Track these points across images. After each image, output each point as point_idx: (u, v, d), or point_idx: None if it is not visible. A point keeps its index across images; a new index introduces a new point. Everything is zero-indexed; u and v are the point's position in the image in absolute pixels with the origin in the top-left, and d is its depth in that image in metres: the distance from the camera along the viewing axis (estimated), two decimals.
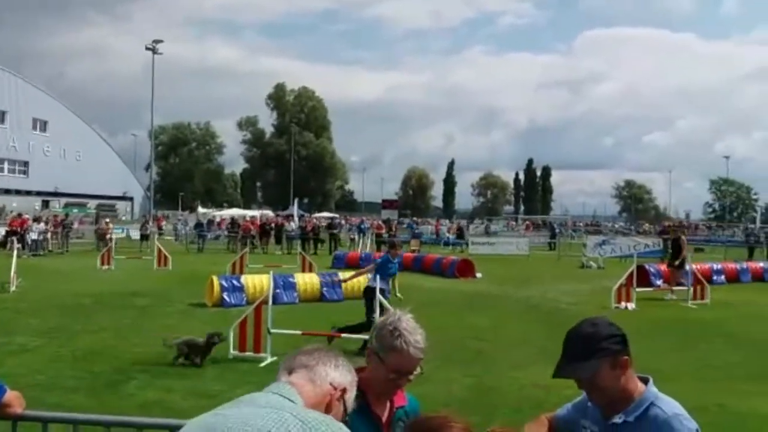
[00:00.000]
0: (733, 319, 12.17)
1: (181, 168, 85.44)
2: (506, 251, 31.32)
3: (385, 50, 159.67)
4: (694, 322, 11.72)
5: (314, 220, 39.42)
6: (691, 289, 14.18)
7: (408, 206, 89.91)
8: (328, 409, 1.47)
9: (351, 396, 1.57)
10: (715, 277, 18.06)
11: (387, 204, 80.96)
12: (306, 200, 75.00)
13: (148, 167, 62.76)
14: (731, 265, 20.30)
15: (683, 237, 16.11)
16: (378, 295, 8.76)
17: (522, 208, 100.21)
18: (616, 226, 61.88)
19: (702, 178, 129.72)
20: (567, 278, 19.78)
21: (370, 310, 9.00)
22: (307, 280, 13.89)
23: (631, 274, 13.54)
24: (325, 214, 62.20)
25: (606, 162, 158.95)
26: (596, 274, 21.05)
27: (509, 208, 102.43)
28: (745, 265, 20.84)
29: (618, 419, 1.94)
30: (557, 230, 40.76)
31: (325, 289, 13.65)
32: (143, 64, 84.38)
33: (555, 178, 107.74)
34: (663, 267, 17.72)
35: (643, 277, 15.24)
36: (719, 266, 19.69)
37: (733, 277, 19.05)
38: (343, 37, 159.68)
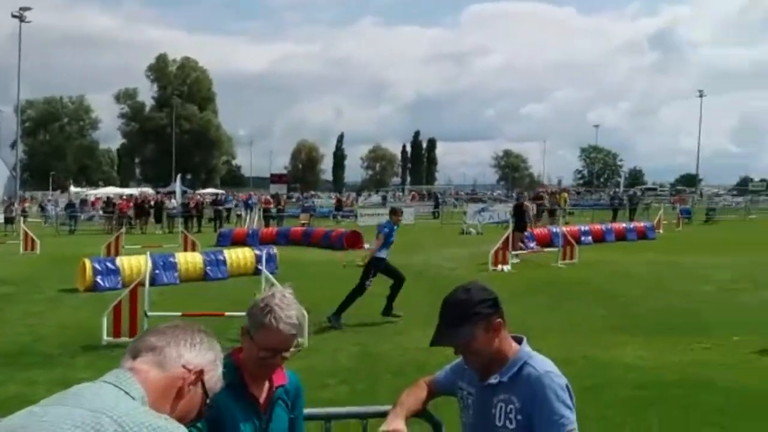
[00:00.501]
0: (598, 277, 13.15)
1: (52, 145, 79.11)
2: None
3: (271, 20, 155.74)
4: (564, 281, 12.57)
5: (198, 197, 38.03)
6: (561, 250, 15.20)
7: (298, 180, 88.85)
8: (179, 396, 1.31)
9: (213, 376, 1.40)
10: (583, 238, 19.45)
11: (276, 178, 78.89)
12: (189, 176, 72.05)
13: (13, 145, 57.48)
14: (597, 227, 21.94)
15: (526, 203, 17.22)
16: (264, 270, 8.65)
17: (408, 179, 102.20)
18: (495, 194, 64.76)
19: (574, 147, 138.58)
20: (449, 244, 20.53)
21: (367, 277, 9.08)
22: (189, 259, 13.41)
23: (507, 238, 14.30)
24: (210, 190, 60.17)
25: (487, 133, 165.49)
26: (475, 240, 21.95)
27: (397, 179, 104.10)
28: (609, 226, 22.61)
29: (493, 380, 2.00)
30: (441, 200, 42.05)
31: (208, 267, 13.26)
32: (10, 32, 76.50)
33: (440, 149, 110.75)
34: (536, 230, 18.85)
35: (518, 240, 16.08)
36: (587, 228, 21.25)
37: (599, 238, 20.59)
38: (228, 6, 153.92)
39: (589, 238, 20.18)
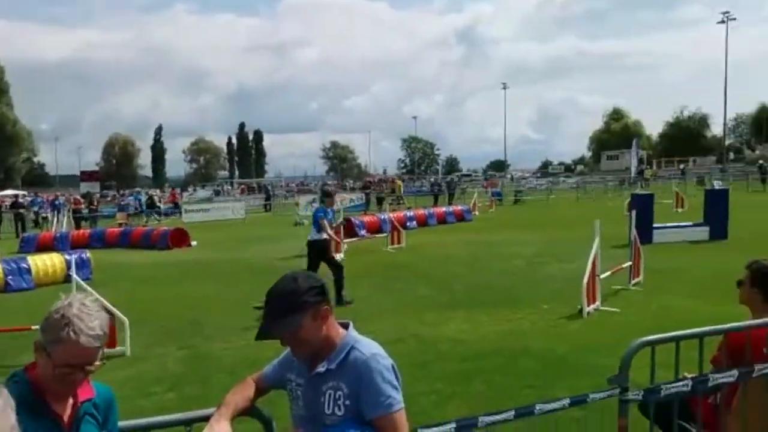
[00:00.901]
0: (423, 259, 13.80)
1: None
2: (222, 216, 30.94)
3: (75, 4, 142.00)
4: (393, 265, 13.02)
5: None
6: (389, 235, 15.73)
7: (112, 177, 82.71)
8: None
9: (3, 429, 1.15)
10: (409, 224, 20.33)
11: (86, 176, 73.28)
12: None
13: None
14: (421, 212, 23.08)
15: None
16: (75, 277, 7.85)
17: (237, 172, 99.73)
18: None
19: (396, 137, 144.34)
20: (282, 237, 20.26)
21: (315, 264, 9.28)
22: None
23: (338, 226, 14.45)
24: (10, 191, 53.76)
25: (313, 125, 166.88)
26: (309, 231, 21.93)
27: (224, 173, 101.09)
28: (431, 210, 23.88)
29: (321, 368, 1.97)
30: (271, 192, 41.57)
31: (9, 277, 11.79)
32: None
33: (267, 141, 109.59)
34: (366, 218, 19.34)
35: (349, 228, 16.39)
36: (411, 213, 22.24)
37: (423, 222, 21.69)
38: None
39: (414, 223, 21.14)
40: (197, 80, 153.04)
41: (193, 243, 18.91)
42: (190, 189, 66.86)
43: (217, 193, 54.25)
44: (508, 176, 72.25)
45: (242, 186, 64.08)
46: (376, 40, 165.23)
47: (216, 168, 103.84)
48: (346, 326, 2.07)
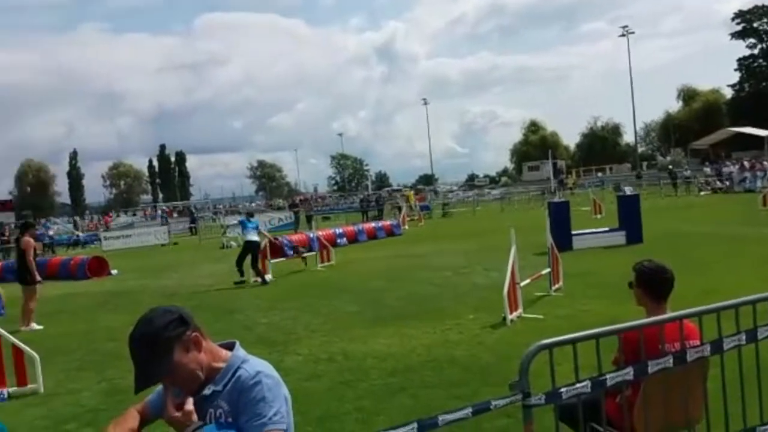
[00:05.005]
0: (352, 275, 13.81)
1: None
2: (144, 242, 29.97)
3: None
4: (322, 283, 12.95)
5: None
6: (318, 253, 15.64)
7: (27, 206, 78.35)
8: None
9: None
10: (338, 240, 20.31)
11: None
12: None
13: None
14: (351, 228, 23.09)
15: None
16: None
17: (161, 195, 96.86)
18: (254, 204, 64.62)
19: (324, 155, 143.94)
20: (208, 261, 19.85)
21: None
22: None
23: (265, 248, 14.27)
24: None
25: (238, 144, 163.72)
26: (237, 253, 21.52)
27: (147, 197, 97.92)
28: (361, 226, 23.93)
29: (207, 391, 1.94)
30: (196, 214, 40.59)
31: None
32: None
33: (191, 162, 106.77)
34: (294, 237, 19.16)
35: (276, 249, 16.18)
36: (341, 230, 22.21)
37: (353, 238, 21.71)
38: None
39: (344, 239, 21.13)
40: (111, 102, 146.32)
41: (114, 272, 18.20)
42: (113, 215, 64.36)
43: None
44: (434, 190, 73.39)
45: (166, 209, 62.32)
46: (295, 57, 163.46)
47: (138, 192, 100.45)
48: (231, 347, 2.05)
